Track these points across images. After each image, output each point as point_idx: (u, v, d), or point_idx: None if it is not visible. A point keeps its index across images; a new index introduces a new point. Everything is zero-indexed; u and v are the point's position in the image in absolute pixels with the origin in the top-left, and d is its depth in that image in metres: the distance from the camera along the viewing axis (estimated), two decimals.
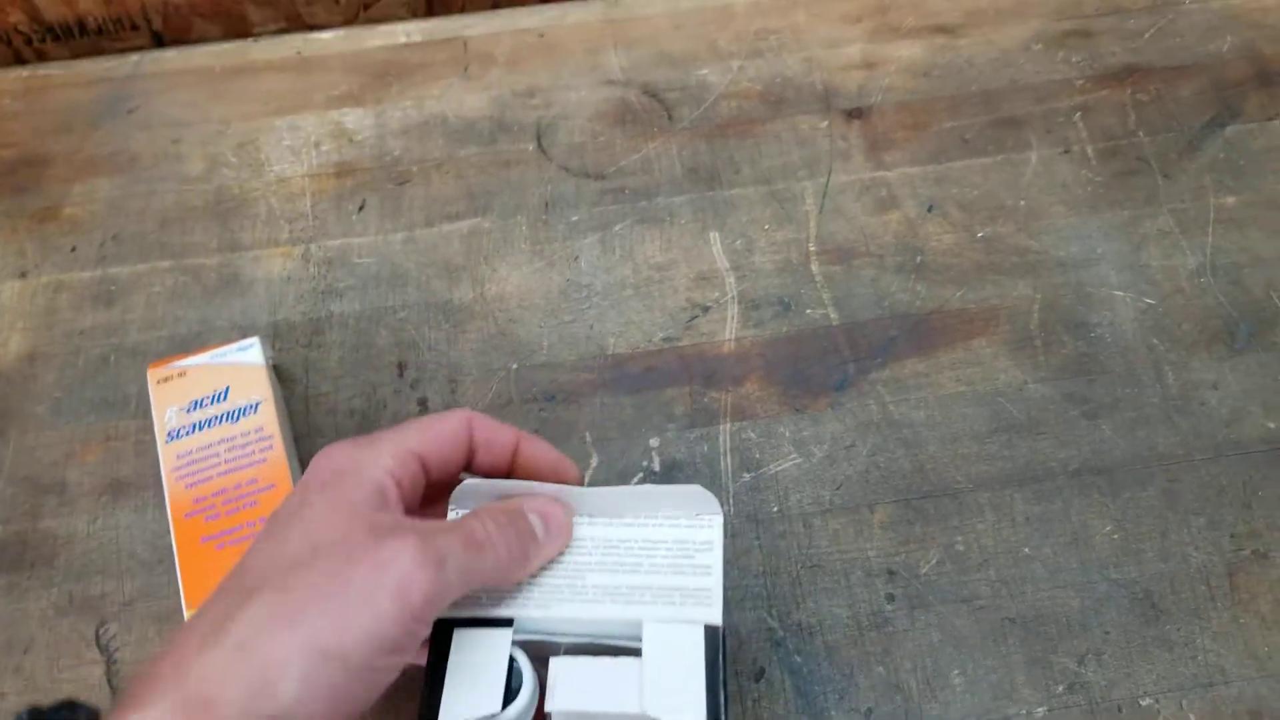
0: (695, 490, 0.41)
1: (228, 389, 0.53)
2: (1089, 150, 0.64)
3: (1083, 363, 0.57)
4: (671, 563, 0.41)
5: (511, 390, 0.58)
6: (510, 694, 0.38)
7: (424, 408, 0.58)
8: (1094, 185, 0.63)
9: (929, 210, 0.62)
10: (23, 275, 0.64)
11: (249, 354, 0.55)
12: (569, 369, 0.59)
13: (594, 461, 0.56)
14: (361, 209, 0.65)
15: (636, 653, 0.39)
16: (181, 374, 0.54)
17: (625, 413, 0.57)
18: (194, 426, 0.52)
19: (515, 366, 0.59)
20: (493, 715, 0.37)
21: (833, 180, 0.64)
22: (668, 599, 0.40)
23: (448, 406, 0.58)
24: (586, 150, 0.67)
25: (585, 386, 0.58)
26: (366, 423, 0.58)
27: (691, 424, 0.57)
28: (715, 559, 0.41)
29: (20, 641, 0.52)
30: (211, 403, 0.53)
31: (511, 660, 0.38)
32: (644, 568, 0.40)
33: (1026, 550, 0.52)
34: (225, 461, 0.51)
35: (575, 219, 0.64)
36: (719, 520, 0.42)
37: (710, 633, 0.39)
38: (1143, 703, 0.48)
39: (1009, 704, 0.48)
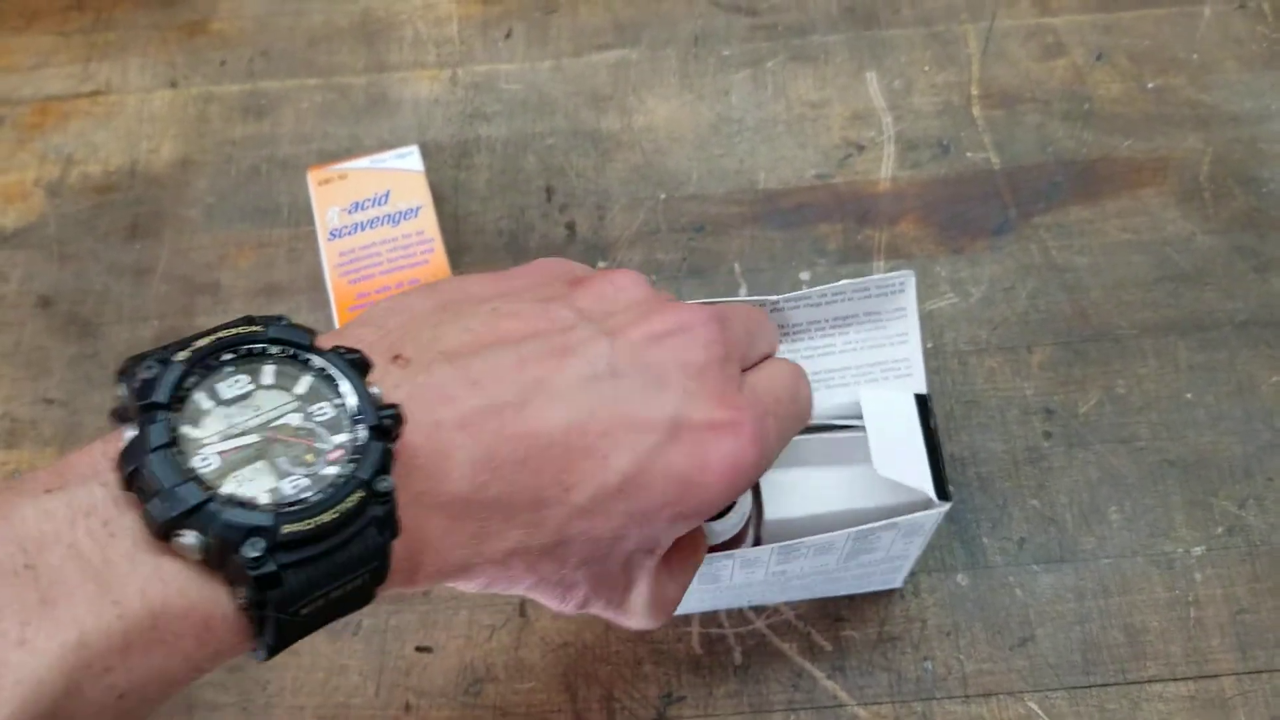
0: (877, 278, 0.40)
1: (388, 193, 0.53)
2: (1265, 6, 0.62)
3: (1253, 217, 0.55)
4: (866, 336, 0.40)
5: (659, 219, 0.58)
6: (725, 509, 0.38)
7: (571, 231, 0.58)
8: (1269, 42, 0.60)
9: (1097, 59, 0.60)
10: (173, 85, 0.64)
11: (408, 160, 0.55)
12: (718, 201, 0.58)
13: (742, 292, 0.56)
14: (509, 36, 0.65)
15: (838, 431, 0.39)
16: (342, 176, 0.54)
17: (775, 246, 0.57)
18: (355, 227, 0.53)
19: (664, 197, 0.59)
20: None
21: (997, 24, 0.62)
22: (869, 375, 0.40)
23: (595, 232, 0.58)
24: None
25: (734, 219, 0.58)
26: (515, 243, 0.57)
27: (844, 260, 0.56)
28: (911, 325, 0.40)
29: None
30: (372, 205, 0.53)
31: None
32: (838, 347, 0.40)
33: (1189, 396, 0.51)
34: (388, 260, 0.52)
35: (726, 54, 0.63)
36: (911, 280, 0.39)
37: (920, 400, 0.40)
38: None
39: (1166, 541, 0.48)
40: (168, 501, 0.23)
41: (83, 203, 0.60)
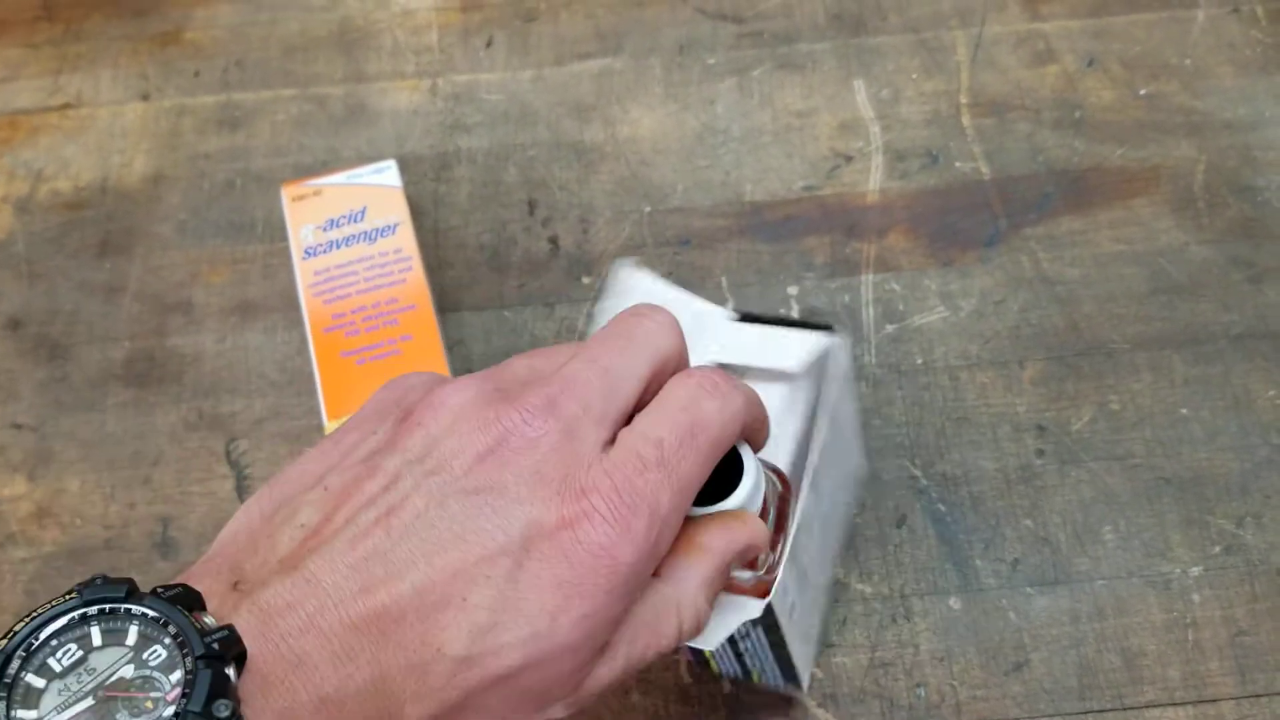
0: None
1: (365, 209, 0.52)
2: (1259, 10, 0.61)
3: (1248, 226, 0.54)
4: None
5: (645, 233, 0.57)
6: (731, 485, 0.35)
7: (554, 245, 0.56)
8: (1264, 47, 0.60)
9: (1089, 65, 0.59)
10: (145, 97, 0.63)
11: (386, 175, 0.53)
12: (704, 214, 0.57)
13: (729, 308, 0.54)
14: (489, 45, 0.63)
15: None
16: (317, 192, 0.53)
17: (762, 260, 0.55)
18: (330, 245, 0.51)
19: (649, 210, 0.57)
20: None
21: (986, 31, 0.61)
22: None
23: (579, 246, 0.56)
24: None
25: (721, 232, 0.57)
26: (496, 258, 0.56)
27: (832, 273, 0.55)
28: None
29: (149, 454, 0.52)
30: (348, 222, 0.52)
31: (735, 451, 0.34)
32: None
33: (1184, 411, 0.50)
34: (364, 279, 0.50)
35: (711, 62, 0.62)
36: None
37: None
38: None
39: (1163, 562, 0.47)
40: None
41: (52, 220, 0.58)
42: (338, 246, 0.51)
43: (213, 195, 0.59)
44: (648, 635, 0.31)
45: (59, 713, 0.25)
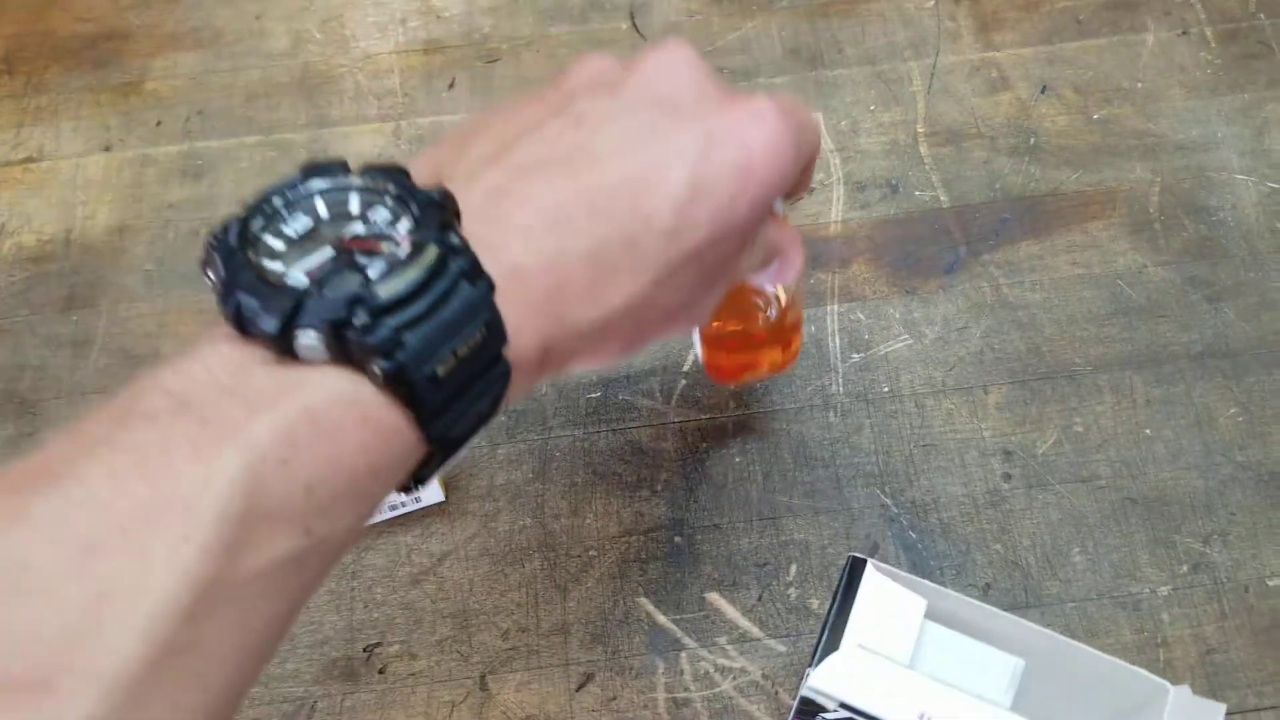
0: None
1: None
2: (1208, 32, 0.62)
3: (1204, 247, 0.55)
4: None
5: None
6: None
7: None
8: (1214, 68, 0.61)
9: (1042, 91, 0.60)
10: (107, 149, 0.63)
11: None
12: None
13: (696, 348, 0.55)
14: (451, 87, 0.64)
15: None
16: None
17: None
18: None
19: None
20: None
21: (940, 61, 0.62)
22: None
23: None
24: (682, 28, 0.65)
25: None
26: None
27: None
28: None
29: None
30: None
31: None
32: None
33: (1148, 432, 0.51)
34: None
35: None
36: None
37: None
38: (1270, 583, 0.47)
39: (1132, 582, 0.47)
40: (272, 312, 0.25)
41: (16, 274, 0.58)
42: None
43: (178, 245, 0.59)
44: (738, 266, 0.35)
45: (301, 261, 0.27)
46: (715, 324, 0.46)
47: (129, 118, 0.64)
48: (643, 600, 0.48)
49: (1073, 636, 0.45)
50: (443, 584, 0.49)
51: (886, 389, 0.52)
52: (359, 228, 0.28)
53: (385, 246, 0.27)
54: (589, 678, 0.47)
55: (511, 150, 0.31)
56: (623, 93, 0.32)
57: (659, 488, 0.51)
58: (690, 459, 0.51)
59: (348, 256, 0.27)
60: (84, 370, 0.55)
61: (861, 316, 0.55)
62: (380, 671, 0.47)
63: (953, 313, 0.54)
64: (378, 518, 0.50)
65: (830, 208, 0.58)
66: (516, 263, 0.29)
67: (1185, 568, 0.47)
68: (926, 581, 0.38)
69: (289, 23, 0.67)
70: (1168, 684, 0.35)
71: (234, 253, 0.27)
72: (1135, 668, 0.36)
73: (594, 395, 0.53)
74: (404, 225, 0.28)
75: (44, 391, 0.55)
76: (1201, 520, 0.48)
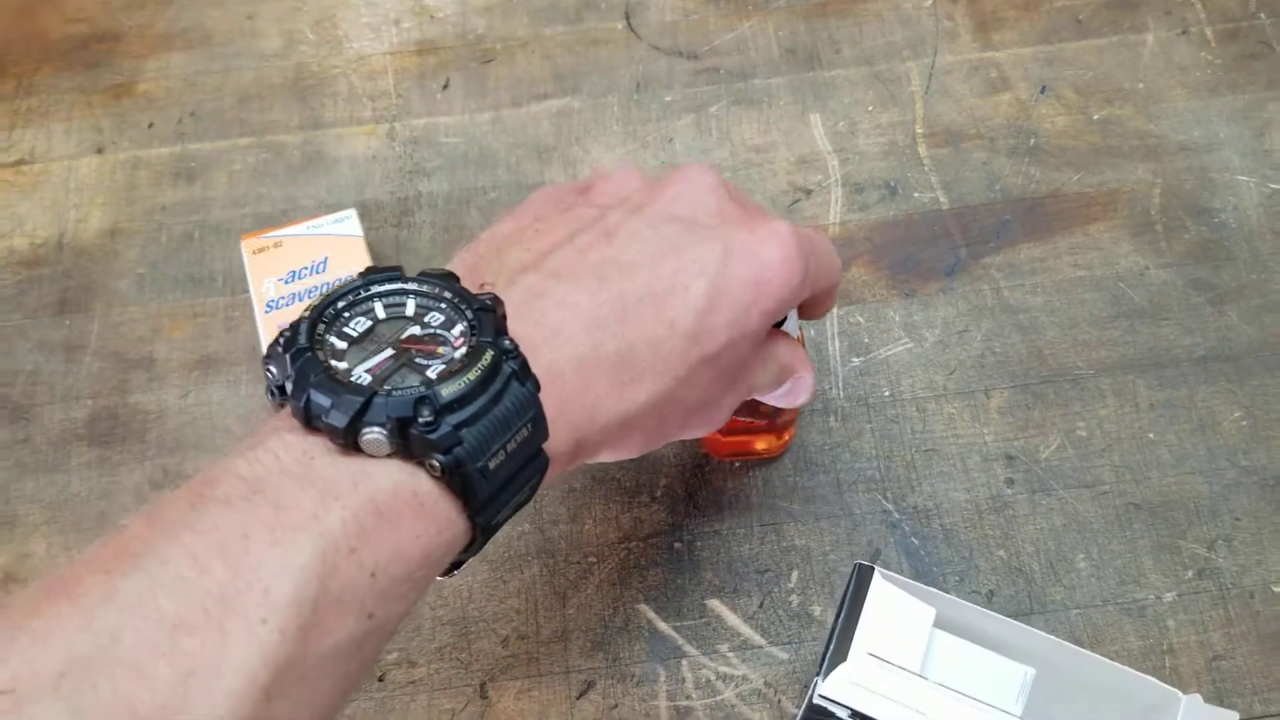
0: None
1: (326, 259, 0.52)
2: (1208, 32, 0.61)
3: (1207, 249, 0.55)
4: None
5: None
6: None
7: None
8: (1214, 68, 0.60)
9: (1042, 92, 0.60)
10: (100, 151, 0.62)
11: (346, 225, 0.53)
12: None
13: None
14: (446, 88, 0.63)
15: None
16: (277, 244, 0.53)
17: None
18: (293, 296, 0.51)
19: None
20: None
21: (939, 61, 0.61)
22: None
23: None
24: (679, 29, 0.64)
25: None
26: None
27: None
28: None
29: (114, 514, 0.51)
30: (310, 273, 0.51)
31: None
32: None
33: (1151, 436, 0.50)
34: None
35: (669, 100, 0.62)
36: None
37: None
38: (1276, 589, 0.47)
39: (1136, 588, 0.47)
40: (342, 409, 0.27)
41: (8, 278, 0.58)
42: (301, 299, 0.51)
43: (171, 248, 0.58)
44: (752, 381, 0.39)
45: (365, 362, 0.30)
46: None
47: (121, 119, 0.63)
48: (643, 607, 0.48)
49: (1077, 643, 0.45)
50: (441, 591, 0.48)
51: (887, 393, 0.52)
52: (416, 329, 0.31)
53: (441, 349, 0.30)
54: (590, 685, 0.46)
55: (547, 258, 0.34)
56: (649, 211, 0.36)
57: (658, 493, 0.50)
58: (689, 464, 0.51)
59: (407, 356, 0.30)
60: (77, 375, 0.55)
61: (861, 320, 0.54)
62: (379, 680, 0.46)
63: (953, 316, 0.54)
64: None
65: (828, 210, 0.57)
66: (554, 361, 0.31)
67: (1190, 574, 0.47)
68: (933, 589, 0.37)
69: (281, 23, 0.66)
70: (1179, 692, 0.35)
71: (304, 352, 0.29)
72: (1146, 676, 0.36)
73: None
74: (459, 328, 0.31)
75: (37, 396, 0.54)
76: (1206, 525, 0.48)
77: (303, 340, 0.29)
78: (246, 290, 0.54)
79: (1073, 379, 0.52)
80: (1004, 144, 0.58)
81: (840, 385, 0.52)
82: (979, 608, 0.37)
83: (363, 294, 0.31)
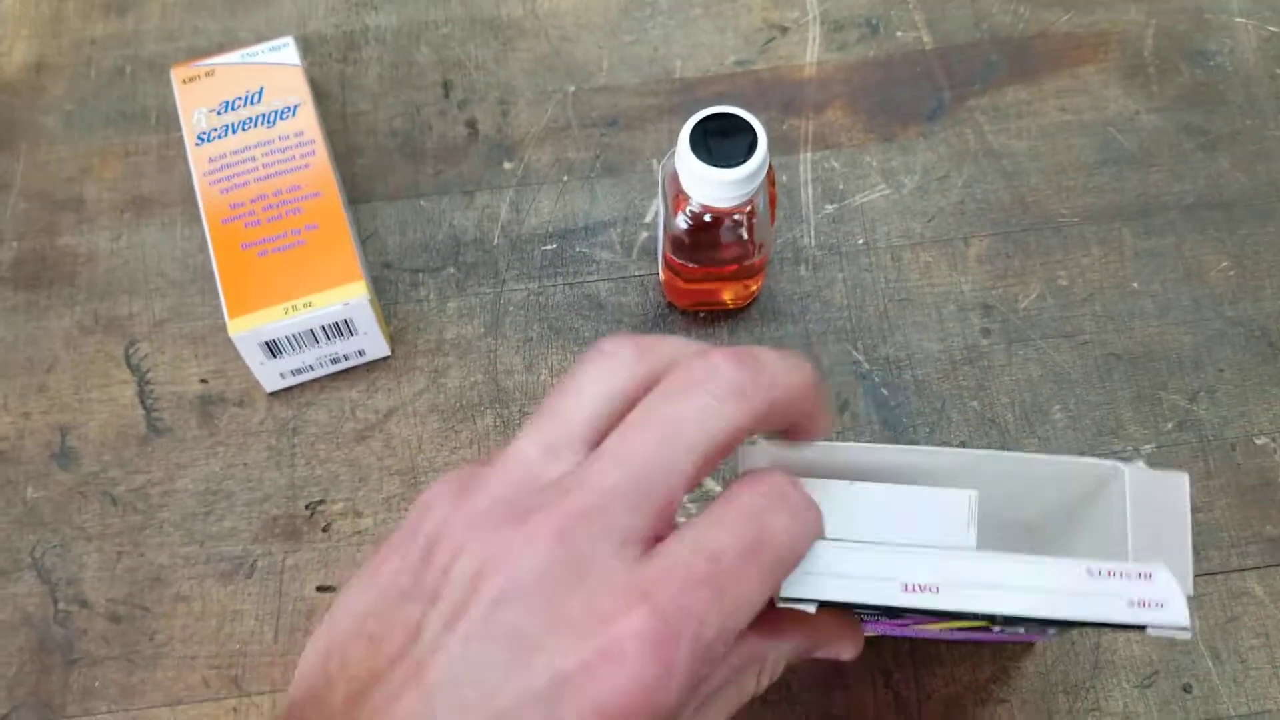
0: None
1: (262, 90, 0.48)
2: None
3: (1200, 93, 0.52)
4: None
5: (569, 114, 0.53)
6: None
7: (473, 130, 0.53)
8: None
9: None
10: None
11: (283, 53, 0.49)
12: (631, 93, 0.54)
13: (659, 201, 0.51)
14: None
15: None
16: (209, 73, 0.49)
17: None
18: (226, 129, 0.47)
19: (572, 89, 0.54)
20: None
21: None
22: None
23: (499, 130, 0.53)
24: None
25: (650, 111, 0.53)
26: (409, 144, 0.52)
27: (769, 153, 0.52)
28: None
29: (43, 360, 0.48)
30: (244, 104, 0.48)
31: None
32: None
33: (1135, 285, 0.48)
34: (263, 166, 0.46)
35: None
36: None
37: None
38: (1257, 441, 0.45)
39: (1114, 440, 0.45)
40: None
41: None
42: (233, 131, 0.47)
43: (101, 84, 0.54)
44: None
45: None
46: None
47: None
48: None
49: None
50: (389, 441, 0.46)
51: (861, 241, 0.49)
52: None
53: None
54: None
55: (361, 703, 0.26)
56: (462, 622, 0.26)
57: None
58: (652, 315, 0.48)
59: None
60: (2, 216, 0.51)
61: (836, 165, 0.51)
62: (324, 529, 0.44)
63: (933, 161, 0.51)
64: (319, 372, 0.47)
65: (805, 49, 0.54)
66: None
67: (1170, 425, 0.45)
68: (824, 443, 0.33)
69: None
70: (1120, 464, 0.32)
71: None
72: (1083, 458, 0.33)
73: (549, 248, 0.50)
74: None
75: None
76: (1189, 377, 0.46)
77: None
78: (180, 128, 0.50)
79: (1055, 227, 0.49)
80: None
81: (812, 233, 0.50)
82: (899, 446, 0.34)
83: None
